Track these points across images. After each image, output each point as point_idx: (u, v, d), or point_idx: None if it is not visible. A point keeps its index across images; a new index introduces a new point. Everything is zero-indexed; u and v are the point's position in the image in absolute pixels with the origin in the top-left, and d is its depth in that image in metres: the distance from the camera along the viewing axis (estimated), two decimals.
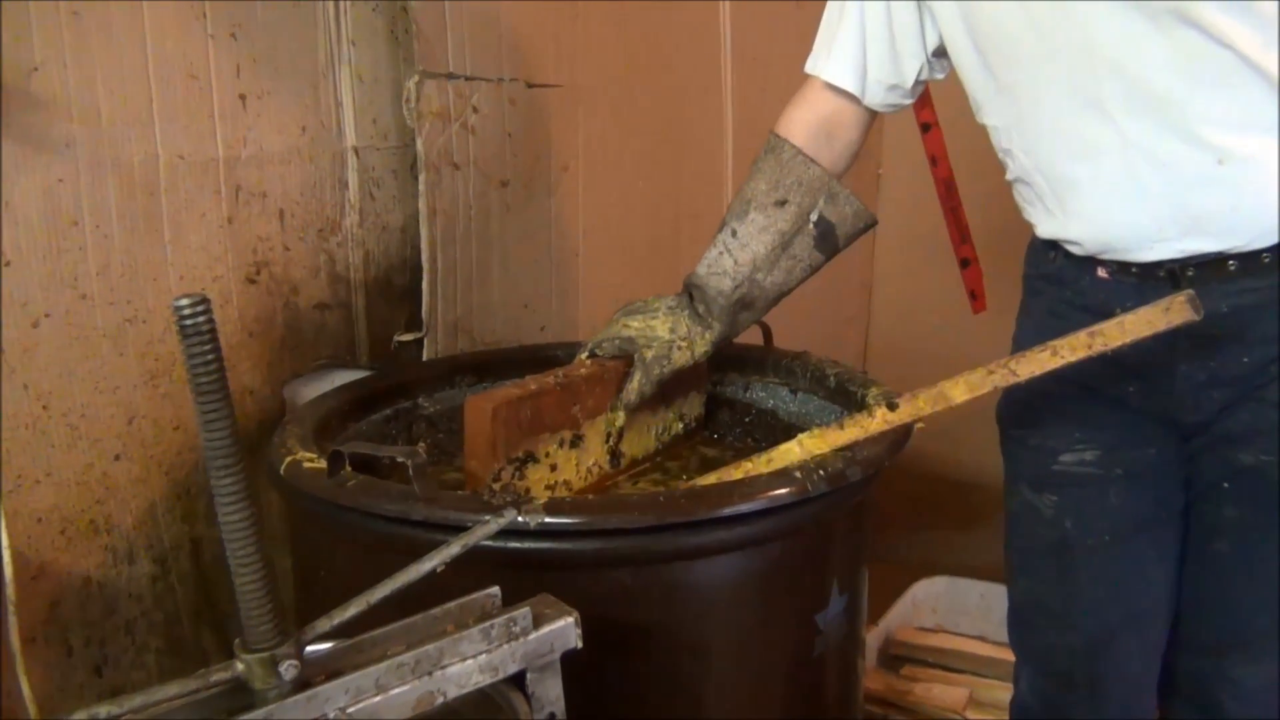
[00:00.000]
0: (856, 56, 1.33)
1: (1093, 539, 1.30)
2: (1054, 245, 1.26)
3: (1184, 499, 1.28)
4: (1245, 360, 1.15)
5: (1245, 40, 1.04)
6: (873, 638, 2.21)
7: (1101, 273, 1.21)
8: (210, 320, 0.69)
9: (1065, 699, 1.37)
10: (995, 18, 1.17)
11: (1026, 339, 1.30)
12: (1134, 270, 1.17)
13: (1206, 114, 1.08)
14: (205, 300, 0.68)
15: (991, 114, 1.25)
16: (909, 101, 1.38)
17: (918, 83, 1.35)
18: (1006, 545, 1.41)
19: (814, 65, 1.38)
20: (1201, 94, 1.08)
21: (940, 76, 1.35)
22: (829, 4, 1.37)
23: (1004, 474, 1.40)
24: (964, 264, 2.71)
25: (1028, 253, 1.34)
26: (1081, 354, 1.12)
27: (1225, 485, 1.22)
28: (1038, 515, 1.33)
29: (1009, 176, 1.29)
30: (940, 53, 1.31)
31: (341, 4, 1.56)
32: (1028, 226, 1.31)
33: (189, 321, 0.68)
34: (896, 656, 2.27)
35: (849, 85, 1.34)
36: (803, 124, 1.37)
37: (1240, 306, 1.13)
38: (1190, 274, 1.14)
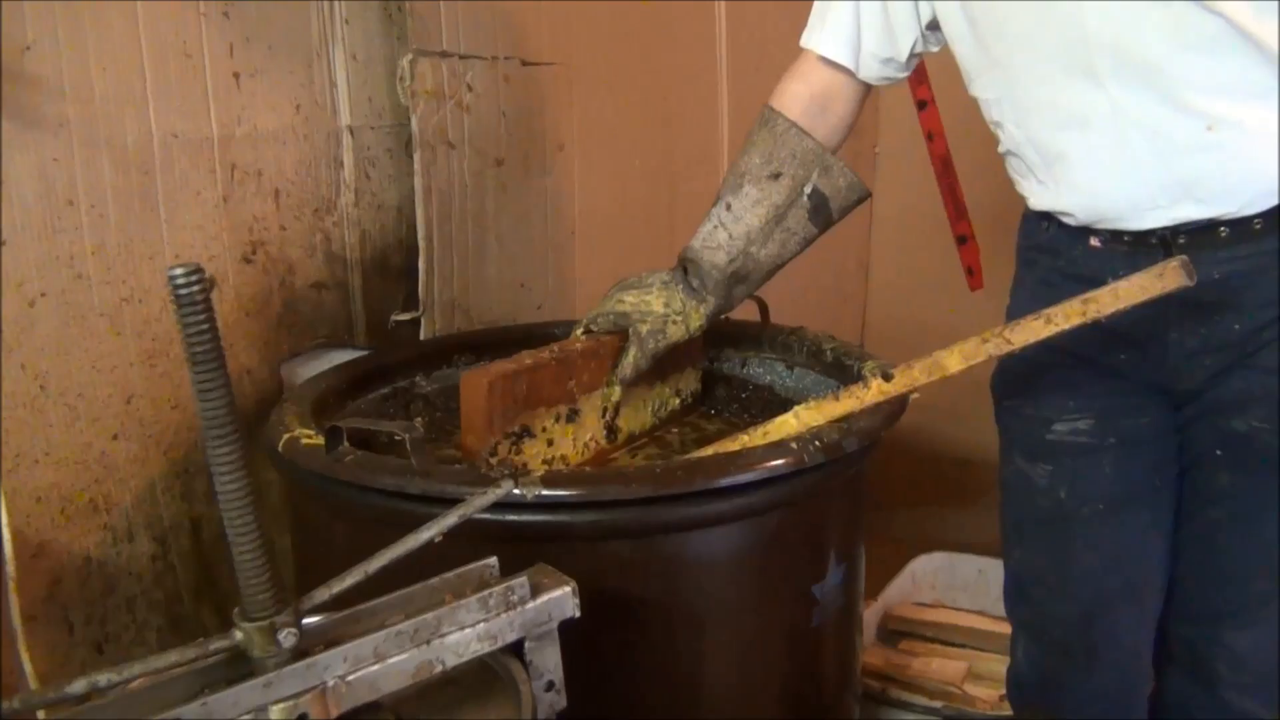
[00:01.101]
0: (850, 30, 1.33)
1: (1087, 508, 1.30)
2: (1047, 216, 1.26)
3: (1177, 468, 1.29)
4: (1237, 327, 1.16)
5: (1235, 6, 1.05)
6: (871, 613, 2.22)
7: (1094, 242, 1.21)
8: (205, 289, 0.69)
9: (1062, 668, 1.38)
10: None
11: (1021, 310, 1.31)
12: (1126, 239, 1.18)
13: (1196, 80, 1.08)
14: (200, 269, 0.69)
15: (983, 86, 1.26)
16: (904, 75, 1.38)
17: (912, 55, 1.35)
18: (1001, 516, 1.42)
19: (808, 38, 1.38)
20: (1191, 61, 1.08)
21: (935, 49, 1.35)
22: None
23: (999, 444, 1.40)
24: (961, 240, 2.71)
25: (1021, 224, 1.34)
26: (1076, 321, 1.12)
27: (1218, 453, 1.22)
28: (1032, 485, 1.34)
29: (1001, 149, 1.29)
30: (934, 25, 1.31)
31: None
32: (1023, 200, 1.31)
33: (183, 291, 0.68)
34: (895, 631, 2.28)
35: (843, 59, 1.34)
36: (796, 97, 1.37)
37: (1232, 273, 1.13)
38: (1182, 241, 1.14)
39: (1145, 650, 1.36)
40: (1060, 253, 1.26)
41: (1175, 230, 1.14)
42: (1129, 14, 1.09)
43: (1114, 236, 1.19)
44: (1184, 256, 1.08)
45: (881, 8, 1.31)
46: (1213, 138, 1.09)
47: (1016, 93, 1.21)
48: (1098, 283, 1.17)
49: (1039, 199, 1.25)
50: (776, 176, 1.33)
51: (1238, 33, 1.06)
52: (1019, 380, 1.33)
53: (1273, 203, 1.11)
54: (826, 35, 1.35)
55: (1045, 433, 1.32)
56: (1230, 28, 1.05)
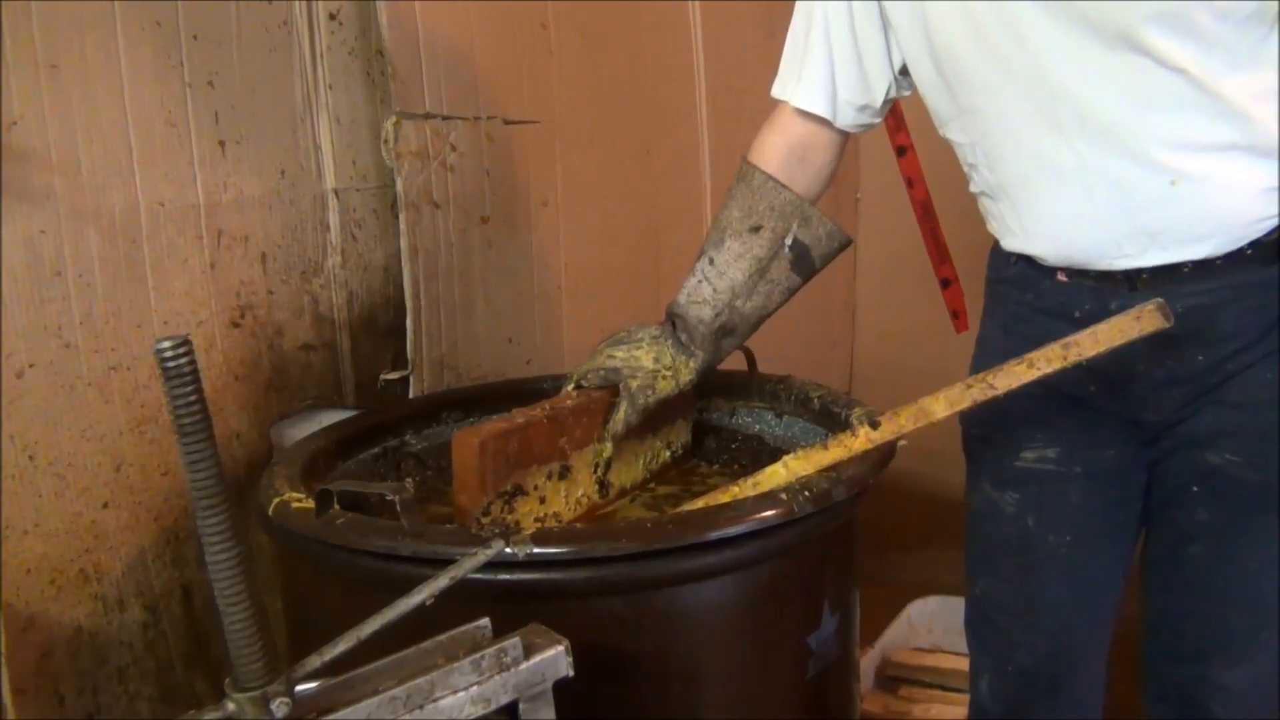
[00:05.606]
0: (826, 79, 1.34)
1: (1054, 537, 1.31)
2: (1015, 251, 1.28)
3: (1141, 505, 1.31)
4: (1201, 359, 1.18)
5: (1192, 63, 1.07)
6: (869, 660, 2.21)
7: (1060, 277, 1.24)
8: (192, 361, 0.69)
9: (1028, 700, 1.38)
10: (951, 44, 1.20)
11: (990, 340, 1.36)
12: (1092, 275, 1.20)
13: (1158, 137, 1.11)
14: (187, 341, 0.69)
15: (955, 130, 1.28)
16: (878, 121, 1.40)
17: (886, 101, 1.36)
18: (967, 545, 1.42)
19: (782, 90, 1.39)
20: (1152, 117, 1.11)
21: (907, 93, 1.36)
22: (792, 30, 1.38)
23: (966, 473, 1.41)
24: (945, 284, 2.74)
25: (990, 257, 1.37)
26: (1057, 365, 1.14)
27: (1194, 489, 1.24)
28: (999, 513, 1.35)
29: (973, 189, 1.31)
30: (906, 71, 1.33)
31: (318, 48, 1.58)
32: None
33: (171, 363, 0.69)
34: (894, 678, 2.27)
35: (820, 109, 1.35)
36: (774, 149, 1.38)
37: (1195, 307, 1.15)
38: (1145, 277, 1.17)
39: (1100, 685, 1.38)
40: (1028, 286, 1.28)
41: (1139, 269, 1.17)
42: (1088, 71, 1.11)
43: (1080, 273, 1.21)
44: (1161, 299, 1.10)
45: (855, 56, 1.33)
46: (1176, 192, 1.11)
47: (988, 141, 1.23)
48: (1064, 315, 1.21)
49: (1010, 242, 1.28)
50: (757, 230, 1.35)
51: (1197, 89, 1.08)
52: (988, 409, 1.33)
53: (1237, 247, 1.13)
54: (803, 87, 1.36)
55: (1014, 460, 1.33)
56: (1190, 84, 1.08)
